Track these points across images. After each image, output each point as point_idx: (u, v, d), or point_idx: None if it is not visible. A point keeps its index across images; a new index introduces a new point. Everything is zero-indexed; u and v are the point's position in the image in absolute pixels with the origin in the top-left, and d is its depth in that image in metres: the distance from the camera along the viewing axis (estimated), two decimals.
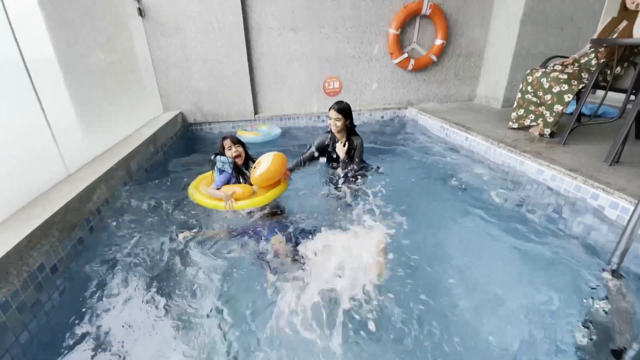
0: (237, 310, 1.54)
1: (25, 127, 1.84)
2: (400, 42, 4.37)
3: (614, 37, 2.90)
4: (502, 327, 1.48)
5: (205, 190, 2.28)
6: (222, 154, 2.33)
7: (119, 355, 1.35)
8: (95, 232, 1.98)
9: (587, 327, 1.40)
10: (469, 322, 1.50)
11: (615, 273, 1.60)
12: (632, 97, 2.59)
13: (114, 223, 2.11)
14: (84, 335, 1.42)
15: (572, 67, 3.06)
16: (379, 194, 2.26)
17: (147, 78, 3.81)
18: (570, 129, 2.87)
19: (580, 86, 2.81)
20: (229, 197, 2.11)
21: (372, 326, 1.39)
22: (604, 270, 1.64)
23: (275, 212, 2.24)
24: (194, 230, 2.08)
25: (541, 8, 4.07)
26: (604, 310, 1.46)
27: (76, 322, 1.47)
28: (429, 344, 1.37)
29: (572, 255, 1.88)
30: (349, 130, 2.63)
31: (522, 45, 4.21)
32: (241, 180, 2.33)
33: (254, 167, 2.22)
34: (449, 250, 1.98)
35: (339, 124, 2.53)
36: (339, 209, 2.31)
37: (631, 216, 1.57)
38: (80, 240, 1.82)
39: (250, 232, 2.01)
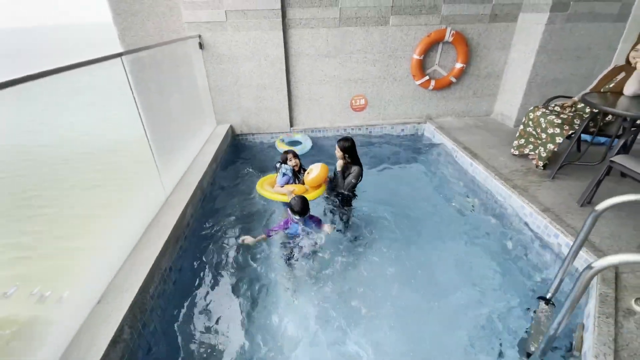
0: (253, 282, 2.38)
1: (144, 169, 2.70)
2: (422, 66, 4.84)
3: (611, 86, 3.31)
4: (452, 321, 2.21)
5: (271, 188, 3.20)
6: (285, 162, 3.22)
7: (209, 316, 2.23)
8: (188, 239, 2.86)
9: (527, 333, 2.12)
10: (419, 314, 2.25)
11: (549, 301, 2.26)
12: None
13: (200, 232, 3.00)
14: (189, 307, 2.32)
15: (569, 109, 3.51)
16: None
17: (205, 99, 4.61)
18: (559, 166, 3.38)
19: (571, 132, 3.28)
20: (291, 192, 2.99)
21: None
22: (540, 298, 2.30)
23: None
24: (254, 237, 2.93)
25: (558, 39, 4.37)
26: (533, 322, 2.16)
27: (184, 301, 2.37)
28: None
29: (527, 280, 2.54)
30: (352, 159, 3.07)
31: (537, 72, 4.56)
32: (296, 181, 3.23)
33: (308, 173, 3.12)
34: (426, 268, 2.70)
35: (338, 155, 3.06)
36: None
37: (567, 255, 2.20)
38: (181, 247, 2.71)
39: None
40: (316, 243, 2.72)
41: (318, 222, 2.77)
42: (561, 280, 2.26)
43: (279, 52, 4.47)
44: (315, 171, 3.09)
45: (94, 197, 2.13)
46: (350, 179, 3.04)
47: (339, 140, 3.03)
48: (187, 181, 3.29)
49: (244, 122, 4.97)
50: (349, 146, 3.01)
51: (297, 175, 3.26)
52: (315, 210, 3.13)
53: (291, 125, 5.10)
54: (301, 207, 2.54)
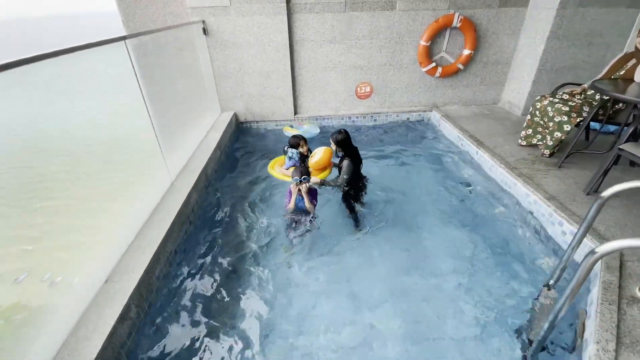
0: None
1: (149, 155, 2.72)
2: (429, 52, 4.76)
3: (622, 73, 3.24)
4: (452, 307, 2.23)
5: (279, 169, 3.35)
6: (293, 146, 3.33)
7: (213, 294, 2.28)
8: (193, 224, 2.90)
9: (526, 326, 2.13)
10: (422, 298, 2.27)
11: (551, 287, 2.26)
12: None
13: (204, 217, 3.04)
14: (191, 287, 2.36)
15: (578, 97, 3.44)
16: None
17: (209, 86, 4.59)
18: (566, 155, 3.33)
19: (579, 119, 3.22)
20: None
21: None
22: (544, 285, 2.31)
23: None
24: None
25: (569, 25, 4.26)
26: (534, 309, 2.17)
27: (188, 279, 2.42)
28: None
29: (530, 268, 2.54)
30: (346, 152, 2.98)
31: (547, 59, 4.46)
32: (305, 164, 3.28)
33: (311, 157, 3.21)
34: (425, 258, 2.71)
35: (333, 148, 3.02)
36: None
37: (571, 242, 2.19)
38: (186, 231, 2.74)
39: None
40: (310, 219, 2.81)
41: (314, 196, 2.79)
42: (564, 268, 2.26)
43: (283, 37, 4.42)
44: (318, 154, 3.15)
45: (100, 181, 2.15)
46: (342, 174, 2.95)
47: (332, 134, 2.96)
48: (191, 167, 3.31)
49: (248, 110, 4.96)
50: (342, 139, 2.93)
51: (304, 160, 3.36)
52: (324, 202, 3.16)
53: (295, 113, 5.07)
54: (297, 170, 2.59)
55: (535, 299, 2.31)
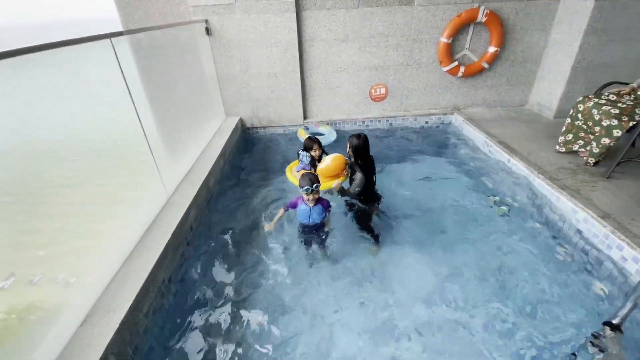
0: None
1: (141, 167, 2.43)
2: (450, 50, 4.39)
3: None
4: (484, 343, 1.86)
5: (294, 172, 3.20)
6: (306, 149, 3.20)
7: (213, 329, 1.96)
8: (192, 245, 2.59)
9: None
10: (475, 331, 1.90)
11: (616, 327, 1.87)
12: None
13: (204, 235, 2.73)
14: (189, 325, 2.04)
15: (627, 97, 3.03)
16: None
17: (213, 89, 4.31)
18: (616, 163, 2.92)
19: (631, 123, 2.81)
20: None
21: None
22: (605, 323, 1.91)
23: None
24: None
25: (609, 18, 3.84)
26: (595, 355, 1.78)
27: (186, 315, 2.10)
28: None
29: (584, 299, 2.15)
30: (359, 163, 2.72)
31: (584, 56, 4.05)
32: (314, 170, 3.12)
33: (322, 162, 3.00)
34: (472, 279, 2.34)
35: (350, 153, 2.75)
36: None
37: None
38: (182, 254, 2.43)
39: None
40: (325, 232, 2.56)
41: (326, 207, 2.49)
42: (635, 304, 1.87)
43: (291, 37, 4.12)
44: (326, 161, 2.94)
45: (77, 196, 1.86)
46: (353, 186, 2.73)
47: (351, 136, 2.70)
48: (191, 179, 3.01)
49: (255, 114, 4.66)
50: (358, 145, 2.64)
51: (314, 164, 3.18)
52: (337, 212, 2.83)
53: (305, 118, 4.76)
54: (307, 178, 2.30)
55: (595, 337, 1.92)
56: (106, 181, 2.07)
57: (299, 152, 3.24)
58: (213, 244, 2.70)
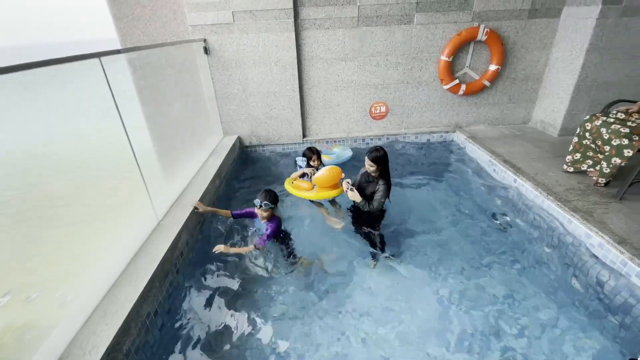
0: None
1: (130, 190, 2.31)
2: (451, 68, 4.35)
3: None
4: None
5: (293, 177, 3.31)
6: (304, 155, 3.37)
7: None
8: (181, 272, 2.43)
9: None
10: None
11: None
12: None
13: (195, 261, 2.57)
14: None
15: (637, 116, 2.93)
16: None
17: (211, 107, 4.25)
18: (628, 184, 2.79)
19: None
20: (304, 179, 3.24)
21: None
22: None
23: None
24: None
25: (611, 37, 3.81)
26: None
27: (172, 352, 1.92)
28: None
29: (607, 333, 1.97)
30: (382, 173, 2.73)
31: (587, 74, 3.99)
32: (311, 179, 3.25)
33: (317, 173, 3.07)
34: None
35: (372, 169, 2.67)
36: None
37: None
38: (171, 283, 2.27)
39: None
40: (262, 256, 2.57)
41: (272, 230, 2.49)
42: None
43: (290, 55, 4.09)
44: (320, 172, 3.01)
45: (56, 221, 1.73)
46: (379, 197, 2.67)
47: (370, 151, 2.64)
48: (184, 201, 2.88)
49: (253, 133, 4.58)
50: (381, 156, 2.63)
51: (313, 173, 3.24)
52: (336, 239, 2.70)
53: (304, 136, 4.68)
54: (263, 193, 2.45)
55: None
56: (88, 204, 1.94)
57: (296, 159, 3.40)
58: (205, 271, 2.54)
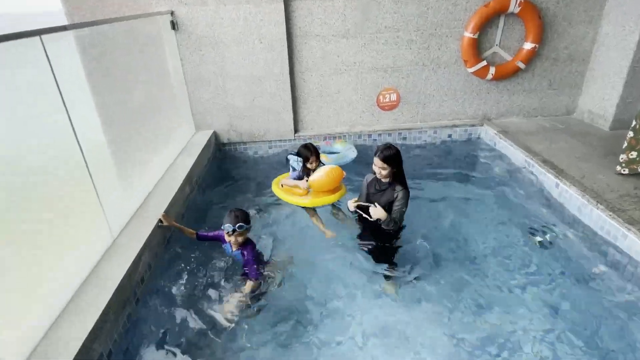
0: None
1: (77, 199, 2.30)
2: (477, 47, 4.41)
3: None
4: None
5: (285, 182, 3.37)
6: (298, 154, 3.33)
7: None
8: (142, 302, 2.42)
9: None
10: None
11: None
12: None
13: (159, 287, 2.57)
14: None
15: None
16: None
17: (180, 96, 4.27)
18: None
19: None
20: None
21: None
22: None
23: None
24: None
25: None
26: None
27: None
28: None
29: None
30: (396, 177, 2.74)
31: None
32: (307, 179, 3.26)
33: (314, 174, 3.10)
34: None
35: (384, 172, 2.66)
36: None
37: None
38: (129, 316, 2.27)
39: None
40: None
41: (253, 256, 2.57)
42: None
43: (279, 32, 4.12)
44: (317, 173, 3.03)
45: None
46: (399, 207, 2.72)
47: (381, 150, 2.63)
48: (146, 213, 2.88)
49: (232, 127, 4.60)
50: (393, 155, 2.61)
51: (309, 173, 3.28)
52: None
53: (296, 131, 4.71)
54: (232, 214, 2.44)
55: None
56: (20, 218, 1.92)
57: (288, 157, 3.42)
58: (171, 301, 2.53)
